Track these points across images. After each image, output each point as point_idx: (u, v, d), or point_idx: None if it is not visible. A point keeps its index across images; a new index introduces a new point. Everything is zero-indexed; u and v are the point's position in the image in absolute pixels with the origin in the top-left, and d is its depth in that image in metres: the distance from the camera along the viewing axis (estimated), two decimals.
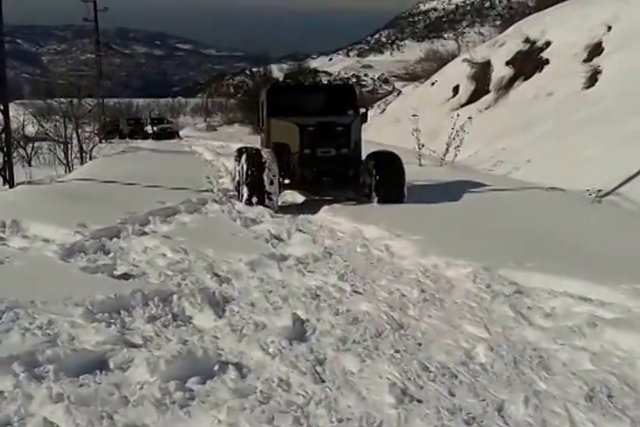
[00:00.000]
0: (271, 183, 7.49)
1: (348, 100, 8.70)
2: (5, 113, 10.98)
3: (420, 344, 3.51)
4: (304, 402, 2.81)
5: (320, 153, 7.81)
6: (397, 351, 3.39)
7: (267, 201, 7.45)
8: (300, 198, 8.76)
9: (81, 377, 2.95)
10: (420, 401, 2.84)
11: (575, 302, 4.12)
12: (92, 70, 35.79)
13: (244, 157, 7.91)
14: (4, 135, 11.33)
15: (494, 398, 2.91)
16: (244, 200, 7.57)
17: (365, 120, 8.54)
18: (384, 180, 7.61)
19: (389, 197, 7.53)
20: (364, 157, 8.12)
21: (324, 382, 3.02)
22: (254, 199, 7.46)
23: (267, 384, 2.96)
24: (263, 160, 7.59)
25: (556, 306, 4.09)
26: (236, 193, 8.51)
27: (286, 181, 8.16)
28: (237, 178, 8.47)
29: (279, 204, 7.88)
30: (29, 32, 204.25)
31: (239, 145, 17.72)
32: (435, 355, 3.35)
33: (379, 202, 7.56)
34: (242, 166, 7.86)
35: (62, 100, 22.48)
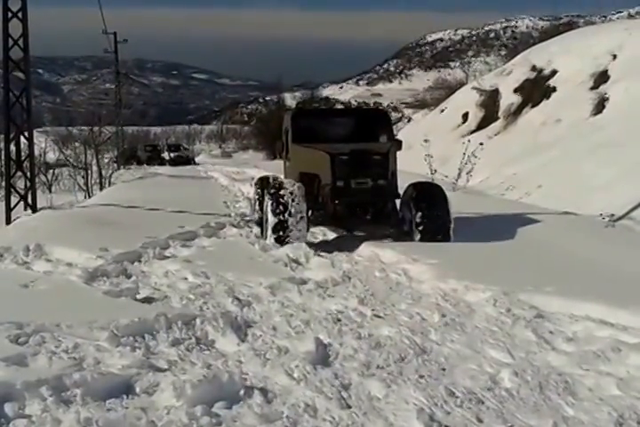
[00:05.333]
0: (299, 226, 6.62)
1: (381, 127, 7.71)
2: (30, 141, 11.14)
3: (444, 369, 3.44)
4: None
5: (355, 185, 6.82)
6: (422, 377, 3.32)
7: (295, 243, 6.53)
8: (329, 235, 7.75)
9: (108, 401, 2.91)
10: None
11: (597, 327, 4.05)
12: (112, 99, 36.41)
13: (267, 191, 7.02)
14: (27, 162, 11.47)
15: (523, 424, 2.83)
16: (269, 242, 6.69)
17: (400, 148, 7.47)
18: (427, 216, 6.64)
19: (434, 235, 6.56)
20: (400, 188, 7.20)
21: (350, 407, 2.95)
22: (280, 242, 6.58)
23: (293, 409, 2.90)
24: (289, 199, 6.63)
25: (578, 330, 4.02)
26: (254, 217, 8.41)
27: (315, 215, 7.16)
28: (259, 211, 7.74)
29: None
30: (50, 63, 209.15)
31: (254, 170, 17.90)
32: (460, 380, 3.28)
33: (421, 240, 6.59)
34: (266, 203, 6.96)
35: (83, 127, 22.86)
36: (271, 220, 6.67)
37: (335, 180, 6.82)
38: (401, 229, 7.07)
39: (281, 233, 6.57)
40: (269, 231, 6.72)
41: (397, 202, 7.26)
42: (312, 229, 7.65)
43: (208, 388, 2.98)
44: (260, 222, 7.58)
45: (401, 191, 7.17)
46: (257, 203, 8.24)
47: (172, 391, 2.93)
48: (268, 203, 6.82)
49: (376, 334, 3.94)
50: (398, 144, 7.49)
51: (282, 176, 8.19)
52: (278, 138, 8.74)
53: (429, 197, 6.90)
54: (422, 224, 6.65)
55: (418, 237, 6.67)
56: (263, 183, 7.98)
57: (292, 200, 6.62)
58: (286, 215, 6.58)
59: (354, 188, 6.84)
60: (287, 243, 6.52)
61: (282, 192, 6.69)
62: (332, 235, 7.69)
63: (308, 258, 6.10)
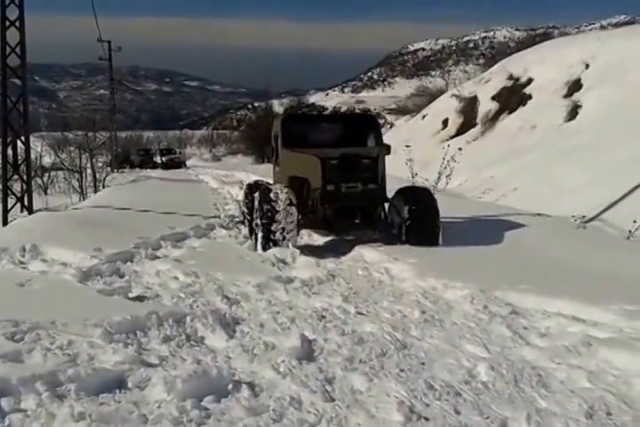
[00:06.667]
0: (289, 231, 6.45)
1: (370, 131, 7.60)
2: (27, 145, 11.05)
3: (423, 364, 3.47)
4: (315, 420, 2.76)
5: (345, 189, 6.62)
6: (402, 371, 3.34)
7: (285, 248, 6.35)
8: (317, 239, 7.54)
9: (101, 396, 2.90)
10: (427, 419, 2.79)
11: (568, 323, 4.10)
12: (106, 105, 36.15)
13: (256, 198, 6.80)
14: (24, 165, 11.37)
15: (498, 415, 2.86)
16: (259, 248, 6.49)
17: (389, 152, 7.26)
18: (416, 220, 6.50)
19: (422, 239, 6.42)
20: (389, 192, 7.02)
21: (333, 400, 2.96)
22: (271, 247, 6.38)
23: (279, 403, 2.91)
24: (281, 236, 6.41)
25: (551, 326, 4.07)
26: (243, 220, 8.36)
27: (304, 219, 6.89)
28: (248, 217, 7.56)
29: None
30: (47, 70, 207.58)
31: (243, 174, 17.85)
32: (438, 374, 3.31)
33: (410, 244, 6.45)
34: (255, 210, 6.79)
35: (78, 132, 22.67)
36: (263, 233, 6.42)
37: (325, 184, 6.62)
38: (390, 233, 6.91)
39: (272, 244, 6.38)
40: (260, 242, 6.49)
41: (386, 206, 7.12)
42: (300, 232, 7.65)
43: (198, 382, 2.98)
44: (249, 227, 7.42)
45: (389, 195, 7.05)
46: (246, 208, 8.06)
47: (162, 386, 2.93)
48: (258, 212, 6.56)
49: (359, 331, 3.96)
50: (387, 148, 7.31)
51: (271, 181, 8.17)
52: (267, 143, 8.63)
53: (419, 202, 6.74)
54: (412, 229, 6.50)
55: (407, 240, 6.53)
56: (254, 190, 7.64)
57: (284, 238, 6.39)
58: (278, 228, 6.40)
59: (344, 192, 6.66)
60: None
61: (273, 227, 6.38)
62: (318, 238, 7.67)
63: (295, 258, 6.10)
